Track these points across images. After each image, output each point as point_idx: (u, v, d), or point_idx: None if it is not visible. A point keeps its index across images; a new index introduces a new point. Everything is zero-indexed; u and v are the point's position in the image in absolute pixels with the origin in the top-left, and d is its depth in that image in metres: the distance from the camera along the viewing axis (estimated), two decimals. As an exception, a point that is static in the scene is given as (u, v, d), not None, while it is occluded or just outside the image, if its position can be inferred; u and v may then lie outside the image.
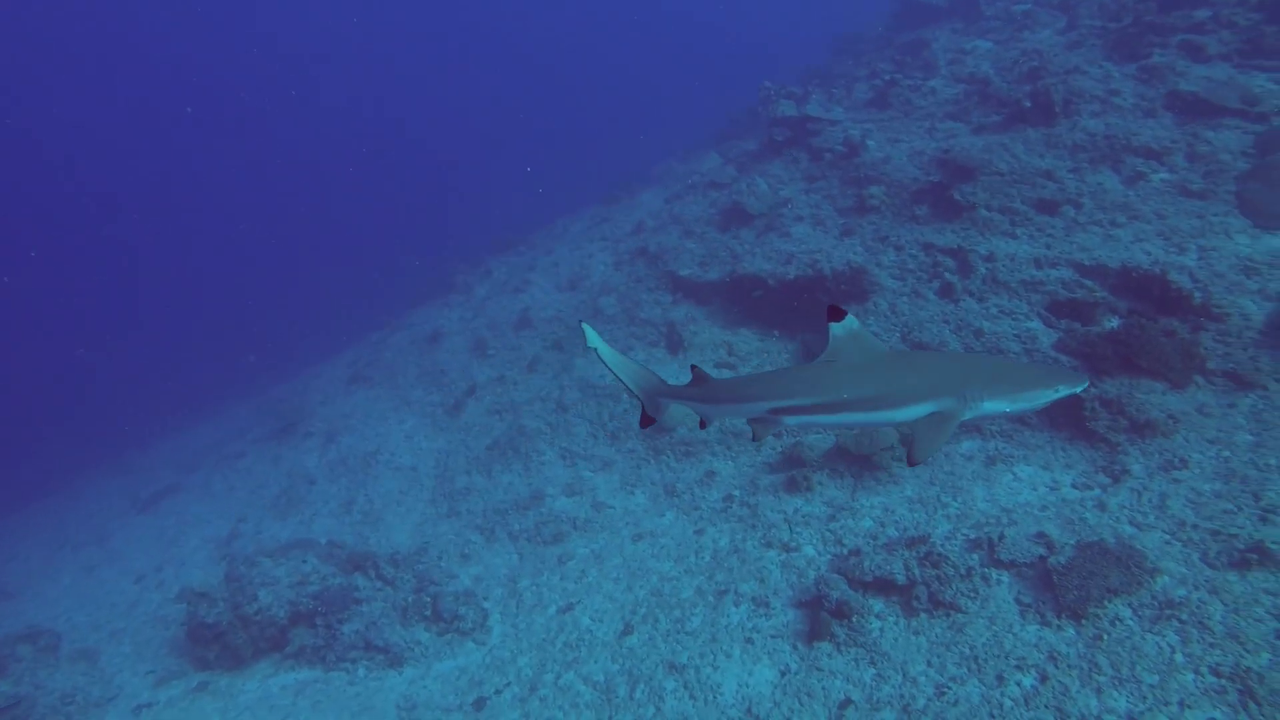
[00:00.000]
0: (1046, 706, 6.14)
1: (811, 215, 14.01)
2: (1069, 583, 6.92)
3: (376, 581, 10.36)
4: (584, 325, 6.07)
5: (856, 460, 9.60)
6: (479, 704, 8.29)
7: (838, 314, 5.11)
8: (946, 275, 11.19)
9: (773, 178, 15.46)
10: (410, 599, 10.00)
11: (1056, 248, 10.78)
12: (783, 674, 7.45)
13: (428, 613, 9.82)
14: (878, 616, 7.59)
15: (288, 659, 9.80)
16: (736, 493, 10.28)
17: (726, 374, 12.30)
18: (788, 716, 6.96)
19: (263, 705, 9.07)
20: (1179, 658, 6.11)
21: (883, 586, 7.75)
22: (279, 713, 8.83)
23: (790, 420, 5.34)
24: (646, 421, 6.13)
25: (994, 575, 7.45)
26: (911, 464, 4.91)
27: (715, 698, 7.46)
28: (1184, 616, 6.38)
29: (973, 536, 7.93)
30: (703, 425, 5.98)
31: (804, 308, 12.27)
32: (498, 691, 8.44)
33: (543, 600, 9.80)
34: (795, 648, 7.69)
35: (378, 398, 17.59)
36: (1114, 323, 9.69)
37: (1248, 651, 5.95)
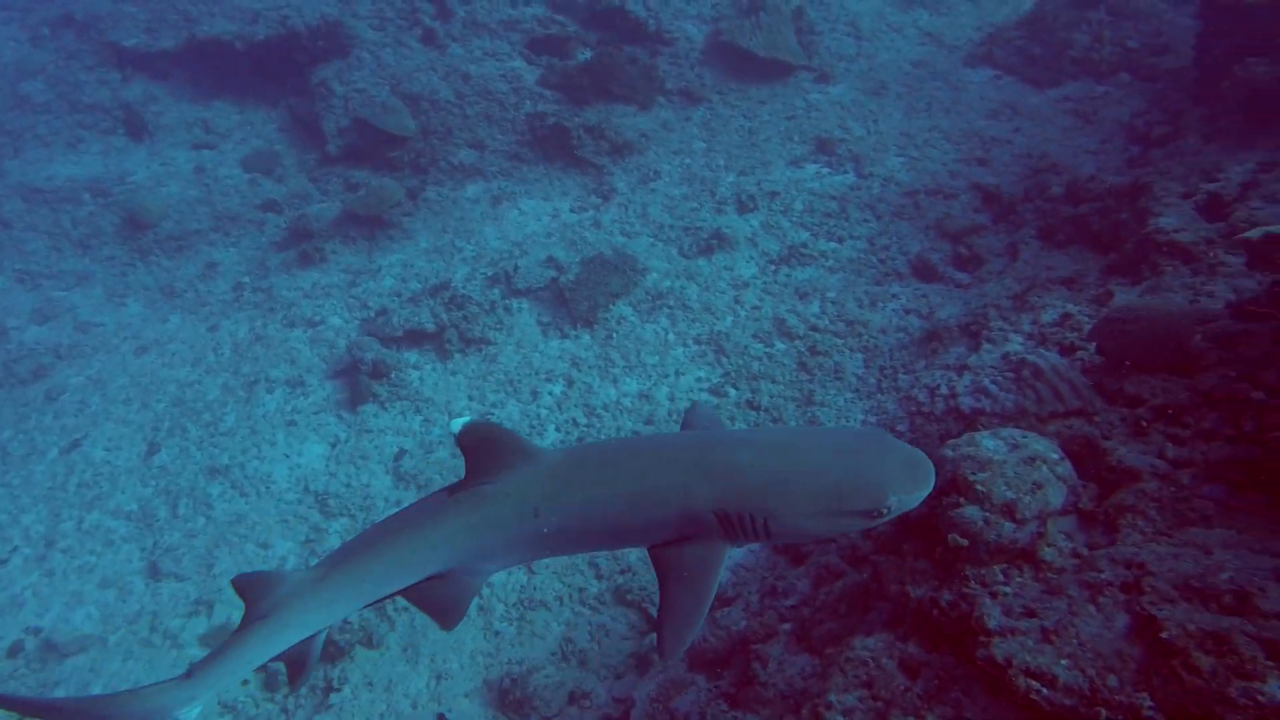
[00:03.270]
0: (576, 406, 6.87)
1: (268, -36, 12.42)
2: (579, 296, 7.60)
3: None
4: None
5: (367, 222, 9.32)
6: (-17, 575, 7.12)
7: None
8: (427, 21, 10.80)
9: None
10: None
11: (524, -17, 10.87)
12: (333, 445, 7.38)
13: (-120, 497, 7.99)
14: (415, 367, 7.74)
15: None
16: (246, 279, 9.51)
17: (207, 154, 10.97)
18: (346, 483, 6.98)
19: None
20: (670, 337, 7.14)
21: (415, 338, 7.87)
22: None
23: None
24: None
25: (515, 304, 7.92)
26: None
27: (268, 488, 7.21)
28: (670, 303, 7.41)
29: (490, 274, 8.27)
30: None
31: (282, 70, 11.14)
32: (3, 561, 7.29)
33: (37, 446, 8.45)
34: (340, 417, 7.61)
35: None
36: (586, 54, 10.26)
37: (717, 318, 7.15)
